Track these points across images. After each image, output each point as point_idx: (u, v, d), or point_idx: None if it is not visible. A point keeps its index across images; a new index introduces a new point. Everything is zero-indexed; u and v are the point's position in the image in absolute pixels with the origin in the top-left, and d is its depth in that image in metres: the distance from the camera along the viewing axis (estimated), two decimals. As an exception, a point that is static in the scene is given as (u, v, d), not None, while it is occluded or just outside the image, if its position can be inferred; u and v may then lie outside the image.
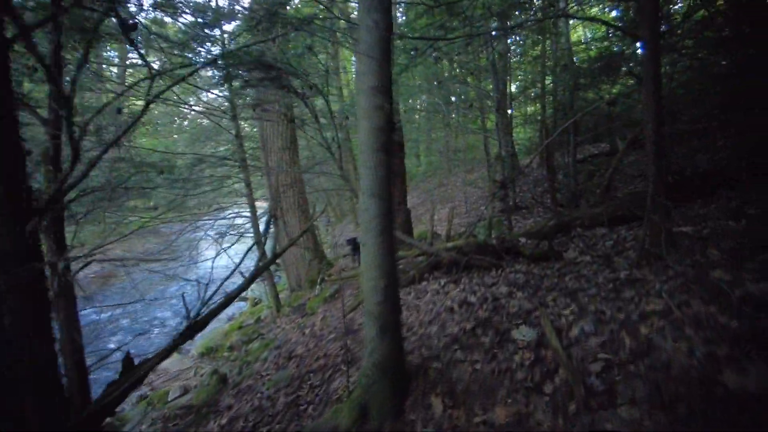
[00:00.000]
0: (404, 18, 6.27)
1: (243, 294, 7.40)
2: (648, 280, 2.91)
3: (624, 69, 6.15)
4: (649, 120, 2.98)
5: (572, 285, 3.34)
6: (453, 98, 7.20)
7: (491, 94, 6.89)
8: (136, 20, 2.78)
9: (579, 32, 12.75)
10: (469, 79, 6.91)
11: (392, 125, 2.45)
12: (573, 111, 7.44)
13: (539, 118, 11.43)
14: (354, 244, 8.60)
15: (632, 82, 6.60)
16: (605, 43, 7.53)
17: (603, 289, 3.06)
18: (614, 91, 7.62)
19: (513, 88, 12.32)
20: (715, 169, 4.50)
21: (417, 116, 19.42)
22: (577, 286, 3.28)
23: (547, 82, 10.56)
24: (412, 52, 5.56)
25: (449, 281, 5.12)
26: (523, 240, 5.15)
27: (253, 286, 8.35)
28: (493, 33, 4.87)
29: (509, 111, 9.19)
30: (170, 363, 7.48)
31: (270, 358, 5.54)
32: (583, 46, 8.29)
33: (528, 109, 13.96)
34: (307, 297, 7.83)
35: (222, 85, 5.98)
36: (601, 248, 4.10)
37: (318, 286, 7.80)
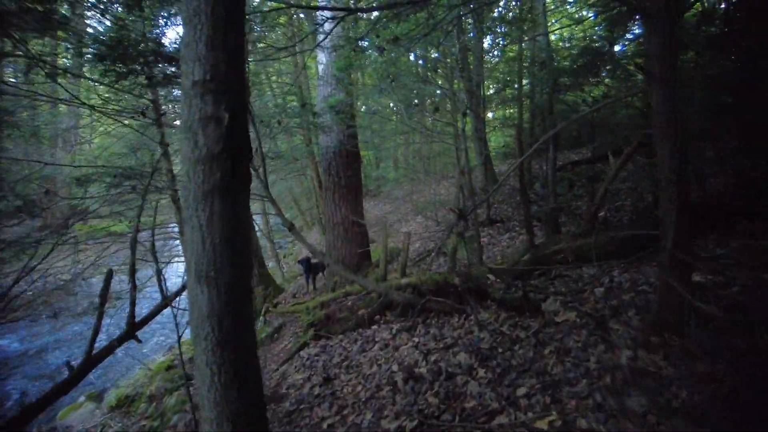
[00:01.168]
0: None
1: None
2: (664, 377, 1.95)
3: (609, 67, 5.27)
4: (663, 135, 2.01)
5: (554, 369, 2.35)
6: (415, 100, 6.29)
7: (459, 94, 5.92)
8: None
9: (559, 31, 11.97)
10: (433, 76, 5.95)
11: (243, 149, 1.40)
12: (551, 116, 6.54)
13: (515, 122, 10.59)
14: (307, 265, 7.51)
15: (612, 84, 5.72)
16: (587, 41, 6.67)
17: (597, 384, 2.07)
18: (596, 93, 6.76)
19: (490, 90, 11.42)
20: (733, 192, 3.62)
21: (393, 118, 18.41)
22: (561, 372, 2.29)
23: (524, 82, 9.71)
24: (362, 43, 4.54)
25: (402, 328, 4.11)
26: (492, 277, 4.18)
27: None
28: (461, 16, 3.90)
29: (485, 114, 8.28)
30: (79, 415, 6.25)
31: (180, 428, 4.44)
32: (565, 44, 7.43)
33: (506, 111, 13.11)
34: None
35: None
36: (590, 299, 3.13)
37: (260, 319, 6.69)
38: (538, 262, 4.01)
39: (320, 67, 5.47)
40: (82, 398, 6.56)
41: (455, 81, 6.76)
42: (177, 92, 6.25)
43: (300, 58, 10.77)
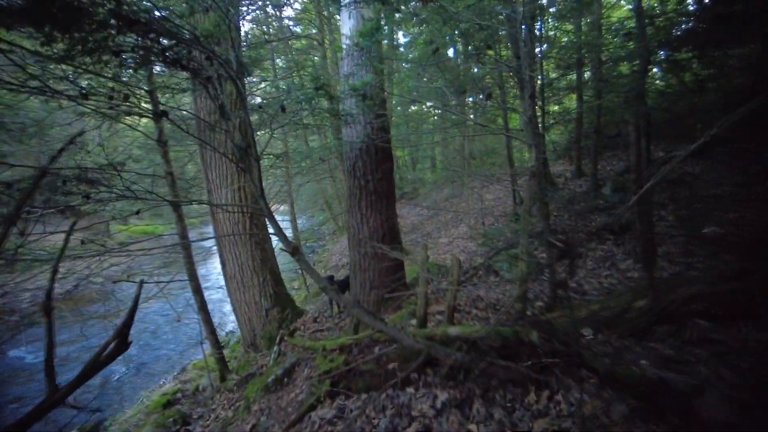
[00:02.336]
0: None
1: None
2: None
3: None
4: None
5: None
6: (460, 88, 5.05)
7: (515, 72, 4.57)
8: None
9: None
10: (486, 53, 4.65)
11: None
12: (642, 102, 5.02)
13: (574, 112, 8.98)
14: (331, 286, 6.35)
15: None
16: None
17: None
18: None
19: (552, 74, 9.84)
20: None
21: (432, 111, 17.07)
22: None
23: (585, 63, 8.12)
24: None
25: (451, 402, 2.83)
26: (588, 333, 2.81)
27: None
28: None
29: (546, 104, 6.82)
30: (65, 458, 5.38)
31: None
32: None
33: (566, 101, 11.43)
34: (259, 365, 5.62)
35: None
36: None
37: (275, 349, 5.60)
38: (662, 314, 2.61)
39: (343, 40, 4.28)
40: (74, 433, 5.72)
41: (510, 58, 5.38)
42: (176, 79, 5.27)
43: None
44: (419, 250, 3.44)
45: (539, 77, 6.36)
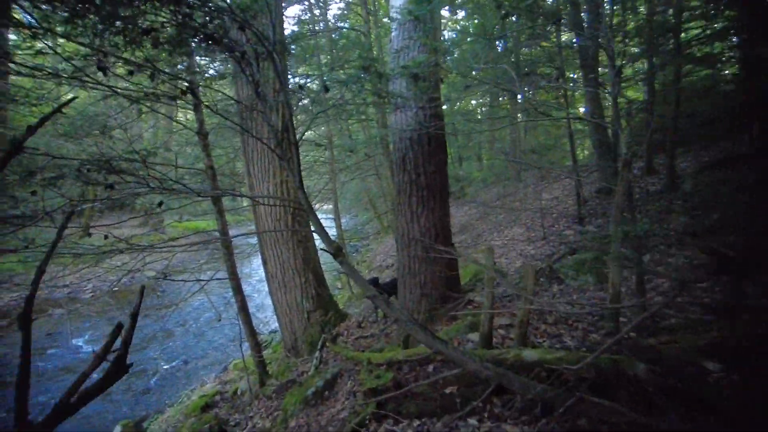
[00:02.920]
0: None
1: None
2: None
3: None
4: None
5: None
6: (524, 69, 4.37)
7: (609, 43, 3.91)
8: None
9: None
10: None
11: None
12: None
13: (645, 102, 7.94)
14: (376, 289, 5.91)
15: None
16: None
17: None
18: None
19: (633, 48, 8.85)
20: None
21: (479, 102, 16.23)
22: None
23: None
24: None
25: (527, 445, 2.27)
26: (716, 368, 2.14)
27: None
28: None
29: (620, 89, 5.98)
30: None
31: None
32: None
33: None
34: (300, 372, 5.28)
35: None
36: None
37: (316, 355, 5.23)
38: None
39: (392, 12, 3.79)
40: (117, 428, 5.67)
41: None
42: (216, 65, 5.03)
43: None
44: (484, 252, 2.89)
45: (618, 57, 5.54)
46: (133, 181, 2.59)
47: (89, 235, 2.45)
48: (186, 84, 2.58)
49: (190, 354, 8.23)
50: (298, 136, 2.64)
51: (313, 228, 2.49)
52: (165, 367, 7.74)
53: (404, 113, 4.18)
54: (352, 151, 7.23)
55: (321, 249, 2.54)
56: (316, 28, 11.86)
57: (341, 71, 3.06)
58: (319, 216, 2.98)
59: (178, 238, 4.99)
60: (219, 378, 6.96)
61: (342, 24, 13.21)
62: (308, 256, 5.72)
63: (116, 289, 14.15)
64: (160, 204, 2.47)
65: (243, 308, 5.35)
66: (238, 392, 5.63)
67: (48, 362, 8.04)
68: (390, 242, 15.40)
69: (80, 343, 9.04)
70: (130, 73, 2.78)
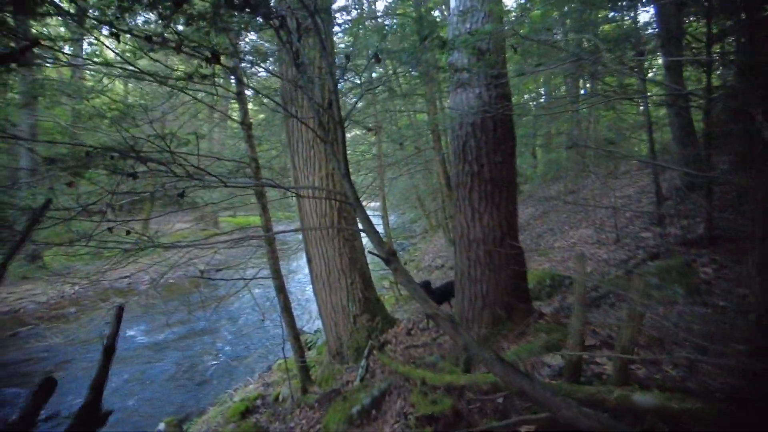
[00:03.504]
0: None
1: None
2: None
3: None
4: None
5: None
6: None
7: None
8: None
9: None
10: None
11: None
12: None
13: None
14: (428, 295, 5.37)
15: None
16: None
17: None
18: None
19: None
20: None
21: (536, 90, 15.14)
22: None
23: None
24: None
25: None
26: None
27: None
28: None
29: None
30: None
31: None
32: None
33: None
34: (344, 380, 4.87)
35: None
36: None
37: (362, 364, 4.80)
38: None
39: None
40: (161, 425, 5.57)
41: None
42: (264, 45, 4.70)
43: None
44: (574, 259, 2.27)
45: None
46: (158, 168, 2.24)
47: (110, 230, 2.14)
48: (210, 52, 2.17)
49: (235, 351, 8.13)
50: (343, 115, 2.16)
51: (361, 226, 2.01)
52: (211, 363, 7.68)
53: (465, 93, 3.61)
54: (401, 144, 6.72)
55: (371, 253, 2.07)
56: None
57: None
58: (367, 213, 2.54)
59: (229, 232, 4.75)
60: (262, 378, 6.74)
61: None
62: (355, 256, 5.30)
63: (172, 281, 14.64)
64: (182, 194, 2.10)
65: (286, 309, 5.02)
66: (280, 398, 5.32)
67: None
68: (439, 241, 14.74)
69: (132, 333, 9.27)
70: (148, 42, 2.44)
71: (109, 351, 1.33)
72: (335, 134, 2.15)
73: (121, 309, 1.78)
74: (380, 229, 11.39)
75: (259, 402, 5.40)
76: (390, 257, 1.98)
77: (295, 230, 5.95)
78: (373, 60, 2.31)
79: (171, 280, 15.31)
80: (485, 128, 3.62)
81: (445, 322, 1.86)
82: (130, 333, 9.28)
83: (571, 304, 5.14)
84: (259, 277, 4.79)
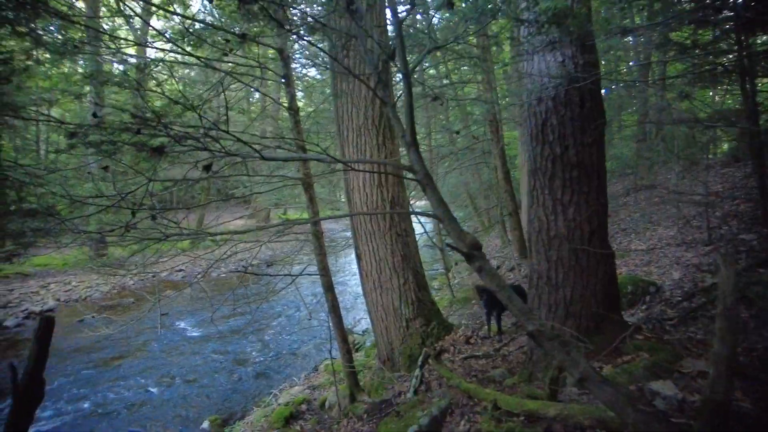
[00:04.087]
0: None
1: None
2: None
3: None
4: None
5: None
6: None
7: None
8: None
9: None
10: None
11: None
12: None
13: None
14: (489, 298, 4.78)
15: None
16: None
17: None
18: None
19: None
20: None
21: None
22: None
23: None
24: None
25: None
26: None
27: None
28: None
29: None
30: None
31: None
32: None
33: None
34: (396, 391, 4.41)
35: None
36: None
37: (416, 373, 4.32)
38: None
39: None
40: (205, 424, 5.41)
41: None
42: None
43: None
44: (719, 258, 1.65)
45: None
46: (187, 143, 1.88)
47: (153, 219, 1.82)
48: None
49: (281, 349, 7.93)
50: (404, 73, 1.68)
51: (433, 211, 1.52)
52: (256, 359, 7.52)
53: (543, 59, 3.02)
54: (458, 132, 6.15)
55: (450, 246, 1.60)
56: None
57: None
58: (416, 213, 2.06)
59: (275, 225, 4.49)
60: (308, 379, 6.45)
61: None
62: (408, 253, 4.83)
63: (223, 275, 14.93)
64: (208, 168, 1.73)
65: (334, 308, 4.64)
66: (326, 404, 4.96)
67: (156, 342, 8.38)
68: (493, 241, 13.92)
69: (184, 325, 9.38)
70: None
71: (26, 392, 0.97)
72: (392, 96, 1.68)
73: (48, 321, 1.41)
74: (430, 227, 10.82)
75: (304, 407, 5.08)
76: (473, 251, 1.48)
77: (344, 215, 5.60)
78: (444, 2, 1.81)
79: (222, 274, 15.64)
80: (570, 103, 3.01)
81: (555, 344, 1.33)
82: (180, 325, 9.40)
83: (661, 316, 4.37)
84: (306, 274, 4.44)
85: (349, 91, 4.62)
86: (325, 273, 4.65)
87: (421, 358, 4.57)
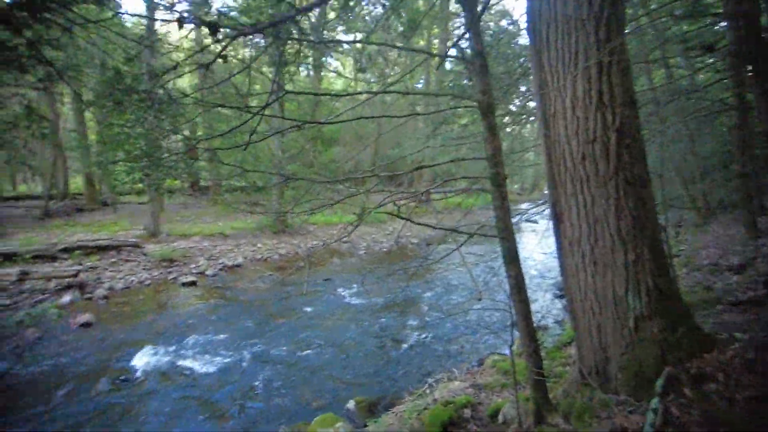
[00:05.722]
0: None
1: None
2: None
3: None
4: None
5: None
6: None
7: None
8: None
9: None
10: None
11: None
12: None
13: None
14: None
15: None
16: None
17: None
18: None
19: None
20: None
21: None
22: None
23: None
24: None
25: None
26: None
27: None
28: None
29: None
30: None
31: None
32: None
33: None
34: (618, 425, 2.77)
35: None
36: None
37: (654, 404, 2.63)
38: None
39: None
40: (351, 403, 4.73)
41: None
42: None
43: None
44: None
45: None
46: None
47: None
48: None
49: (442, 332, 6.88)
50: None
51: None
52: (413, 339, 6.64)
53: None
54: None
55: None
56: None
57: None
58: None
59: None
60: (471, 374, 5.22)
61: None
62: (643, 215, 3.05)
63: (393, 249, 14.83)
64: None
65: (518, 288, 3.22)
66: (500, 417, 3.62)
67: (315, 306, 8.35)
68: (722, 231, 10.19)
69: (344, 293, 9.21)
70: None
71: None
72: None
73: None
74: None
75: (468, 413, 3.84)
76: None
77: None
78: None
79: (384, 249, 15.55)
80: None
81: None
82: (342, 293, 9.26)
83: None
84: (481, 234, 3.14)
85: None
86: (507, 235, 3.25)
87: (661, 381, 2.84)
